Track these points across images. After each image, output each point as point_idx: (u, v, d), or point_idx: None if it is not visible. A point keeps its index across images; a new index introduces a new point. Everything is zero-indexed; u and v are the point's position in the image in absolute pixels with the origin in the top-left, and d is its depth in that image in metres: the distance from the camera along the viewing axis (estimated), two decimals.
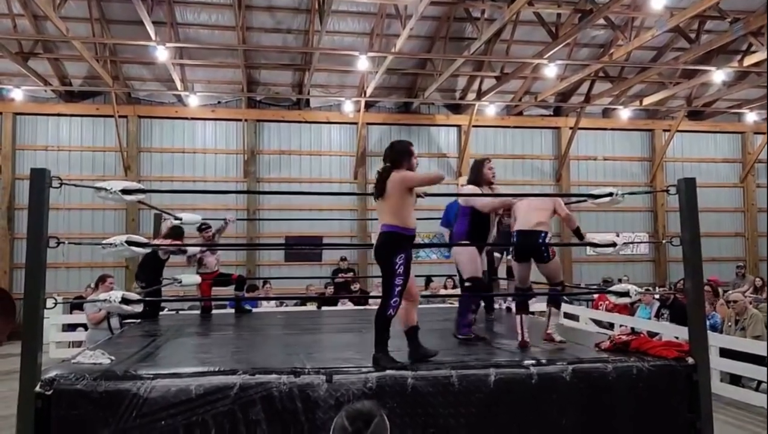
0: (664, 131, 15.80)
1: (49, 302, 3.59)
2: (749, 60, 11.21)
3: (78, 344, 9.56)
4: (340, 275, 12.97)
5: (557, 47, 10.77)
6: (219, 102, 14.17)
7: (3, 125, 13.27)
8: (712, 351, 6.47)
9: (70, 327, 10.45)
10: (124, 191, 4.08)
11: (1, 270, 13.07)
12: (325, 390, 3.55)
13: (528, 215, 4.76)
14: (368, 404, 1.97)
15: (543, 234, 4.68)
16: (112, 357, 3.91)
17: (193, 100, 13.37)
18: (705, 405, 3.94)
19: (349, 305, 10.55)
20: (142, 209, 13.22)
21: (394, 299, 3.86)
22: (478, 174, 5.20)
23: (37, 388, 3.40)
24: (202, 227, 7.58)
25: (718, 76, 12.09)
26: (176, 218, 7.22)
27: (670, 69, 13.23)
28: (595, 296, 11.01)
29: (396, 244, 3.89)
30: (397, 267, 3.84)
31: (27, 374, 3.44)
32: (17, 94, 12.63)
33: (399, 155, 4.05)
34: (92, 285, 11.62)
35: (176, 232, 6.99)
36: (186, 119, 13.97)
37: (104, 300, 4.07)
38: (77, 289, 12.27)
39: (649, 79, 13.75)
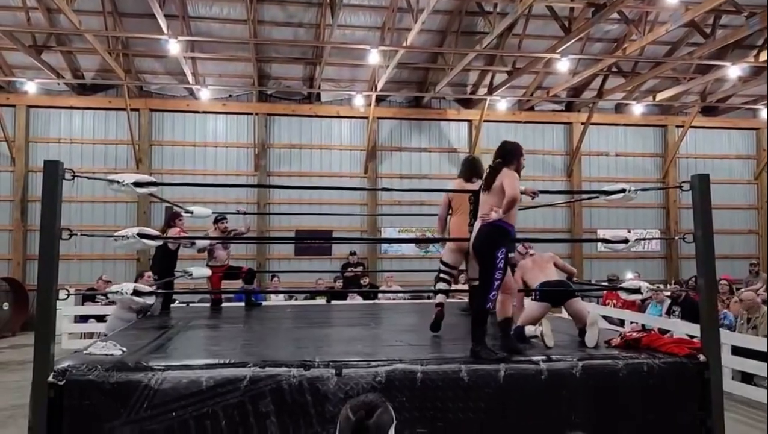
0: (678, 126, 15.65)
1: (62, 294, 3.62)
2: (765, 55, 11.07)
3: (90, 335, 9.67)
4: (349, 269, 12.99)
5: (570, 42, 10.69)
6: (230, 96, 14.20)
7: (16, 118, 13.38)
8: (724, 348, 6.43)
9: (82, 319, 10.54)
10: (137, 184, 4.11)
11: (14, 262, 13.21)
12: (334, 384, 3.56)
13: (542, 273, 4.89)
14: (372, 395, 1.97)
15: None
16: (124, 348, 3.94)
17: (205, 94, 13.41)
18: (716, 403, 3.91)
19: (358, 300, 10.59)
20: (154, 202, 13.30)
21: (492, 293, 3.94)
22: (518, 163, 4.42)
23: (50, 378, 3.43)
24: (218, 219, 7.61)
25: (733, 71, 11.95)
26: (187, 211, 7.25)
27: (684, 64, 13.07)
28: (604, 292, 10.95)
29: (499, 239, 3.98)
30: (498, 261, 3.92)
31: (40, 364, 3.47)
32: (30, 87, 12.72)
33: (510, 155, 4.20)
34: (103, 277, 11.74)
35: (171, 216, 6.97)
36: (197, 112, 14.02)
37: (116, 292, 4.10)
38: (89, 281, 12.38)
39: (663, 75, 13.61)
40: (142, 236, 4.11)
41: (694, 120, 15.14)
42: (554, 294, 4.77)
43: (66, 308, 9.81)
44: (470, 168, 5.44)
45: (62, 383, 3.43)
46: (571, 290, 4.80)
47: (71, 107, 13.66)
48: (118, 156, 13.73)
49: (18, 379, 7.83)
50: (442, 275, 5.33)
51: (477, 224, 4.10)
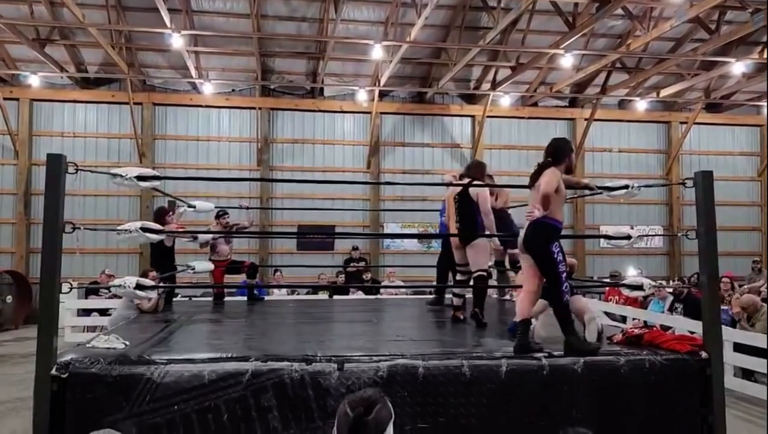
0: (681, 123, 15.61)
1: (65, 287, 3.63)
2: (767, 53, 11.03)
3: (92, 329, 9.69)
4: (351, 264, 13.00)
5: (574, 37, 10.65)
6: (233, 90, 14.19)
7: (20, 111, 13.40)
8: (726, 345, 6.42)
9: (85, 312, 10.57)
10: (139, 178, 4.11)
11: (17, 255, 13.25)
12: (336, 378, 3.57)
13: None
14: (371, 390, 1.96)
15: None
16: (127, 342, 3.95)
17: (208, 88, 13.40)
18: (718, 399, 3.91)
19: (361, 295, 10.60)
20: (156, 196, 13.31)
21: (564, 285, 4.01)
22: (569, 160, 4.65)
23: (53, 371, 3.44)
24: (219, 214, 7.60)
25: (738, 67, 11.89)
26: (190, 206, 7.26)
27: (689, 60, 13.04)
28: (606, 289, 10.93)
29: (549, 234, 4.04)
30: (555, 256, 4.00)
31: (43, 357, 3.48)
32: (34, 80, 12.72)
33: (561, 152, 4.23)
34: (106, 271, 11.77)
35: (159, 213, 6.93)
36: (200, 106, 14.02)
37: (119, 285, 4.11)
38: (92, 274, 12.41)
39: (667, 71, 13.57)
40: (145, 230, 4.12)
41: (697, 117, 15.10)
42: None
43: (69, 302, 9.84)
44: (466, 169, 5.71)
45: (65, 376, 3.44)
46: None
47: (74, 101, 13.67)
48: (121, 150, 13.74)
49: (21, 372, 7.86)
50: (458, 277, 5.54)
51: (529, 221, 4.11)
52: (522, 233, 4.17)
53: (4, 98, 12.96)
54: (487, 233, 5.33)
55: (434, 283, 7.47)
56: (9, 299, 12.42)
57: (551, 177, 4.07)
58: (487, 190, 5.37)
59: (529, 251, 4.08)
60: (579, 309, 4.66)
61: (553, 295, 4.06)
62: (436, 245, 13.91)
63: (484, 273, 5.30)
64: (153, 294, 5.21)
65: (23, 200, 13.31)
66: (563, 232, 4.79)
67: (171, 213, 6.97)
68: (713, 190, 4.19)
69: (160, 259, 6.73)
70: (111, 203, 13.60)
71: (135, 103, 13.37)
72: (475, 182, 5.39)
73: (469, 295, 5.74)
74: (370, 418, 1.84)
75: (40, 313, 3.62)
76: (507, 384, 3.69)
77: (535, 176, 4.17)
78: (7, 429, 5.90)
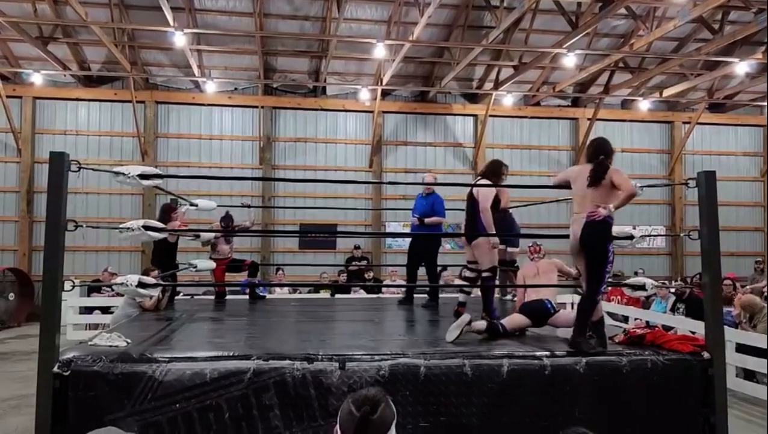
0: (684, 123, 15.58)
1: (67, 285, 3.64)
2: None
3: (95, 326, 9.71)
4: (353, 263, 13.00)
5: (577, 37, 10.63)
6: (236, 89, 14.20)
7: (23, 109, 13.41)
8: (728, 346, 6.41)
9: (87, 310, 10.59)
10: (142, 176, 4.12)
11: (20, 252, 13.27)
12: (337, 377, 3.57)
13: (536, 292, 4.93)
14: (373, 390, 1.96)
15: (548, 302, 4.81)
16: (129, 340, 3.96)
17: (210, 87, 13.41)
18: (720, 400, 3.91)
19: (362, 294, 10.61)
20: (159, 195, 13.32)
21: (604, 286, 4.08)
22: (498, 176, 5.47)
23: (55, 369, 3.45)
24: (224, 224, 7.58)
25: (741, 68, 11.85)
26: (192, 204, 7.26)
27: (692, 60, 13.00)
28: (608, 289, 10.92)
29: (608, 233, 4.06)
30: (609, 255, 4.03)
31: (45, 355, 3.49)
32: (37, 78, 12.74)
33: (611, 151, 4.23)
34: (108, 269, 11.79)
35: (165, 210, 6.94)
36: (203, 105, 14.02)
37: (121, 283, 4.11)
38: (94, 272, 12.44)
39: (670, 71, 13.54)
40: (147, 228, 4.13)
41: (700, 117, 15.06)
42: (535, 315, 4.76)
43: (71, 300, 9.85)
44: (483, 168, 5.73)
45: (67, 373, 3.46)
46: (547, 311, 4.77)
47: (77, 99, 13.68)
48: (124, 148, 13.75)
49: (24, 369, 7.87)
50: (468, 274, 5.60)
51: (578, 220, 4.07)
52: (575, 231, 4.08)
53: (7, 96, 12.97)
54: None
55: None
56: (11, 296, 12.45)
57: (625, 176, 4.09)
58: (488, 189, 5.35)
59: (589, 248, 4.04)
60: (572, 322, 4.69)
61: (591, 291, 4.11)
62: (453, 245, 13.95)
63: (490, 273, 5.31)
64: (155, 292, 5.20)
65: (26, 197, 13.33)
66: (563, 232, 4.81)
67: (176, 211, 6.98)
68: (716, 190, 4.19)
69: (163, 256, 6.73)
70: (113, 201, 13.62)
71: (138, 102, 13.38)
72: (482, 181, 5.39)
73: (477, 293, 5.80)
74: (375, 417, 1.84)
75: (42, 311, 3.63)
76: (508, 384, 3.70)
77: (600, 175, 4.06)
78: (9, 426, 5.92)
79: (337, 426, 1.89)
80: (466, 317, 4.40)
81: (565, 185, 4.43)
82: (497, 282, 5.98)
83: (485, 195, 5.32)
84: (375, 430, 1.84)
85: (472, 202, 5.37)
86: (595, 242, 4.03)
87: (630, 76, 13.84)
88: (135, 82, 13.21)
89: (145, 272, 5.70)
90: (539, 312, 4.76)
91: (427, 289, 7.30)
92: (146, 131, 13.70)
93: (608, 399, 3.82)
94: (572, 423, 3.67)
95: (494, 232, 5.30)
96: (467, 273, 5.64)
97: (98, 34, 10.65)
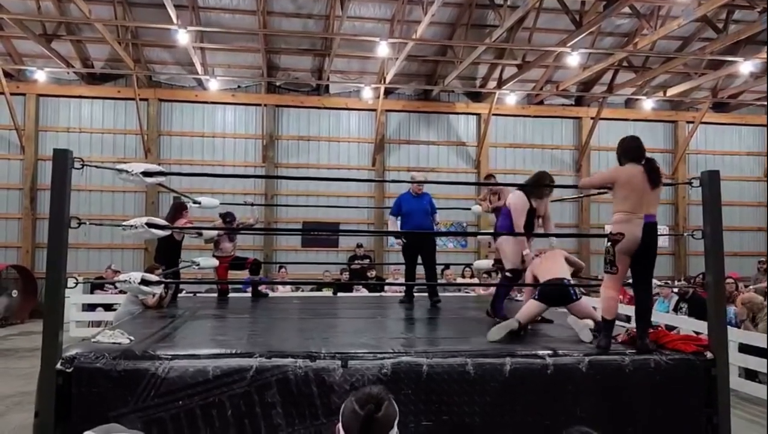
0: (688, 122, 15.55)
1: (71, 282, 3.64)
2: None
3: (97, 324, 9.73)
4: (356, 261, 13.00)
5: (581, 36, 10.61)
6: (239, 87, 14.20)
7: (26, 107, 13.44)
8: (731, 346, 6.39)
9: (90, 307, 10.61)
10: (145, 174, 4.12)
11: (23, 249, 13.30)
12: (340, 375, 3.57)
13: (551, 269, 4.93)
14: (376, 388, 1.96)
15: (569, 283, 4.83)
16: (132, 337, 3.97)
17: (213, 85, 13.42)
18: (723, 400, 3.90)
19: (365, 292, 10.61)
20: (162, 192, 13.35)
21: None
22: (535, 186, 5.41)
23: (58, 366, 3.46)
24: (227, 220, 7.60)
25: (745, 67, 11.81)
26: (195, 202, 7.26)
27: (696, 59, 12.96)
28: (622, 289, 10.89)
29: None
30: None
31: (48, 352, 3.50)
32: (40, 75, 12.76)
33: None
34: (111, 266, 11.82)
35: (177, 208, 6.97)
36: (206, 103, 14.04)
37: (124, 281, 4.12)
38: (97, 269, 12.47)
39: (674, 70, 13.51)
40: (150, 225, 4.13)
41: (704, 116, 15.03)
42: (554, 297, 4.75)
43: (74, 297, 9.88)
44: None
45: (70, 370, 3.46)
46: (570, 295, 4.77)
47: (80, 96, 13.71)
48: (127, 146, 13.77)
49: (27, 366, 7.90)
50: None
51: (634, 221, 4.04)
52: (633, 232, 4.02)
53: (11, 93, 12.99)
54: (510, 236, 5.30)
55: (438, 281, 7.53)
56: (15, 293, 12.48)
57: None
58: (519, 203, 5.31)
59: (649, 249, 4.08)
60: (577, 312, 4.68)
61: (650, 291, 4.27)
62: (441, 243, 13.97)
63: (510, 274, 5.35)
64: (158, 290, 5.21)
65: (29, 195, 13.36)
66: (567, 231, 4.79)
67: (186, 210, 6.99)
68: (720, 190, 4.18)
69: (168, 254, 6.76)
70: (116, 199, 13.64)
71: (141, 99, 13.39)
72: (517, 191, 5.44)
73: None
74: (380, 415, 1.84)
75: (45, 308, 3.63)
76: (511, 383, 3.69)
77: (658, 177, 4.13)
78: (12, 423, 5.94)
79: (339, 425, 1.88)
80: (513, 323, 4.40)
81: (606, 187, 4.46)
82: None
83: (516, 208, 5.30)
84: (379, 429, 1.84)
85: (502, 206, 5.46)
86: (656, 244, 4.12)
87: (634, 75, 13.82)
88: (138, 79, 13.22)
89: (149, 270, 5.72)
90: (560, 295, 4.75)
91: (428, 288, 7.24)
92: (149, 129, 13.71)
93: (611, 399, 3.81)
94: (575, 423, 3.68)
95: (521, 237, 5.25)
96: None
97: (102, 31, 10.66)
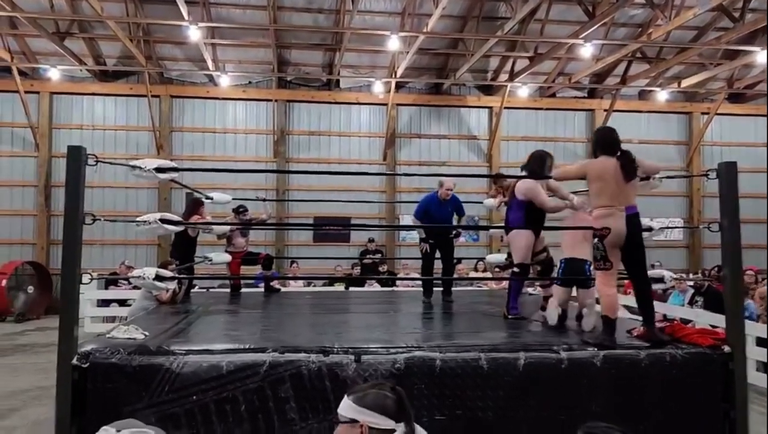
0: (703, 114, 15.36)
1: (85, 278, 3.66)
2: None
3: (112, 319, 9.82)
4: (367, 256, 13.00)
5: (593, 27, 10.49)
6: (250, 82, 14.22)
7: (40, 104, 13.55)
8: (749, 339, 6.32)
9: (104, 302, 10.70)
10: (158, 170, 4.12)
11: (38, 246, 13.44)
12: (353, 370, 3.56)
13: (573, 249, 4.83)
14: (370, 382, 1.99)
15: (588, 263, 4.70)
16: (146, 333, 3.98)
17: (224, 80, 13.45)
18: (740, 394, 3.85)
19: (377, 287, 10.60)
20: (174, 188, 13.41)
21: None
22: (542, 168, 5.12)
23: (74, 361, 3.48)
24: (240, 210, 7.62)
25: (762, 56, 11.63)
26: (207, 198, 7.29)
27: (711, 49, 12.80)
28: (625, 281, 10.80)
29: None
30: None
31: (64, 347, 3.52)
32: (54, 73, 12.86)
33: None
34: (125, 262, 11.90)
35: (194, 203, 7.00)
36: (217, 99, 14.08)
37: (138, 276, 4.13)
38: (112, 265, 12.57)
39: (689, 60, 13.34)
40: (164, 221, 4.14)
41: (720, 107, 14.83)
42: (573, 277, 4.71)
43: (89, 292, 9.97)
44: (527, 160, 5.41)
45: (86, 366, 3.48)
46: (587, 281, 4.72)
47: (93, 94, 13.80)
48: (140, 142, 13.85)
49: (43, 361, 7.99)
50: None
51: (616, 214, 4.02)
52: (617, 225, 4.00)
53: (25, 92, 13.10)
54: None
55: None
56: (31, 289, 12.63)
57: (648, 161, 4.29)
58: (532, 185, 5.04)
59: (635, 240, 4.07)
60: (582, 295, 4.68)
61: (647, 280, 4.26)
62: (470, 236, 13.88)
63: (518, 269, 5.16)
64: (172, 285, 5.23)
65: (44, 192, 13.48)
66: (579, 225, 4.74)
67: (202, 205, 7.01)
68: (737, 181, 4.11)
69: (183, 249, 6.80)
70: (130, 195, 13.73)
71: (153, 96, 13.46)
72: (523, 175, 5.23)
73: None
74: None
75: (60, 304, 3.65)
76: (525, 378, 3.67)
77: (632, 169, 4.07)
78: (30, 417, 6.00)
79: (372, 419, 1.88)
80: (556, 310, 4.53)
81: (578, 179, 4.36)
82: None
83: (530, 189, 5.03)
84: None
85: (512, 196, 5.21)
86: (640, 234, 4.14)
87: (648, 66, 13.66)
88: (150, 76, 13.28)
89: (163, 265, 5.74)
90: (579, 273, 4.70)
91: (443, 285, 7.13)
92: (161, 126, 13.78)
93: (626, 394, 3.77)
94: (590, 418, 3.65)
95: (558, 202, 5.10)
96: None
97: (113, 28, 10.70)
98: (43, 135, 13.50)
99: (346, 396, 1.98)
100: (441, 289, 6.99)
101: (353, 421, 1.91)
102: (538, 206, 5.03)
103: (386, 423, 1.88)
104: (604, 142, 4.18)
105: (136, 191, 13.76)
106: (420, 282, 10.91)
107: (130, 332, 3.92)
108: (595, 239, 4.07)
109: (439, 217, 6.65)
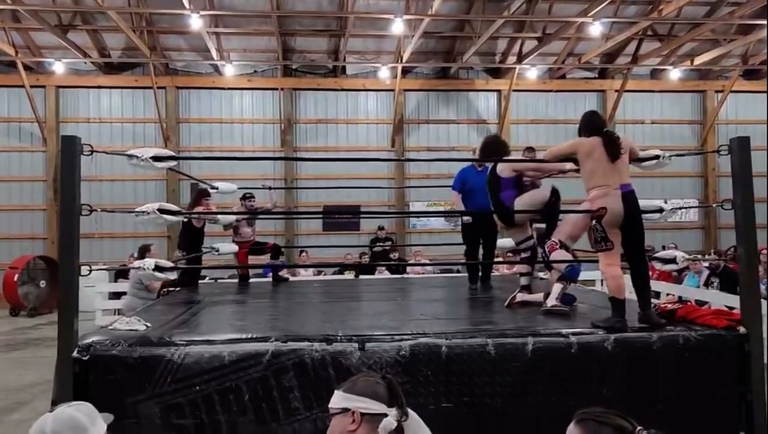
0: (717, 91, 15.06)
1: (84, 270, 3.61)
2: None
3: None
4: (378, 244, 12.93)
5: (603, 4, 10.29)
6: (255, 71, 14.14)
7: (46, 98, 13.57)
8: (765, 320, 6.17)
9: (115, 295, 10.72)
10: (155, 159, 4.05)
11: (49, 240, 13.51)
12: (357, 358, 3.50)
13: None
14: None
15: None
16: (148, 324, 3.94)
17: (229, 70, 13.38)
18: (757, 376, 3.74)
19: (387, 274, 10.54)
20: (182, 180, 13.41)
21: None
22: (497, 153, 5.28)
23: (75, 354, 3.46)
24: (246, 196, 7.58)
25: None
26: (213, 187, 7.24)
27: (725, 25, 12.49)
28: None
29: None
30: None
31: (64, 340, 3.51)
32: (58, 67, 12.87)
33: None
34: (134, 255, 11.91)
35: (199, 194, 6.97)
36: (223, 88, 14.02)
37: (138, 267, 4.09)
38: (121, 258, 12.59)
39: (702, 37, 13.04)
40: (162, 211, 4.08)
41: (734, 84, 14.54)
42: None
43: (99, 285, 10.00)
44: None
45: (87, 358, 3.46)
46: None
47: (99, 87, 13.80)
48: (147, 134, 13.84)
49: (54, 355, 8.00)
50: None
51: (611, 193, 3.94)
52: (612, 205, 3.91)
53: (31, 86, 13.11)
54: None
55: (461, 260, 7.24)
56: (43, 284, 12.71)
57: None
58: (514, 164, 5.10)
59: (633, 219, 3.99)
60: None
61: (645, 261, 4.16)
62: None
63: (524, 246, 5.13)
64: (173, 276, 5.20)
65: (53, 186, 13.52)
66: (574, 208, 4.62)
67: (207, 197, 6.97)
68: (750, 157, 3.97)
69: (190, 240, 6.78)
70: (138, 188, 13.75)
71: (158, 87, 13.42)
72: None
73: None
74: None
75: (59, 296, 3.63)
76: (533, 363, 3.58)
77: (617, 148, 4.01)
78: (39, 410, 6.02)
79: (363, 404, 1.81)
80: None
81: (570, 160, 4.32)
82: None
83: (507, 165, 5.01)
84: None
85: (496, 182, 5.06)
86: (639, 212, 4.05)
87: (659, 44, 13.39)
88: (155, 67, 13.24)
89: (143, 250, 5.67)
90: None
91: (483, 270, 6.87)
92: (168, 117, 13.75)
93: (638, 377, 3.68)
94: (601, 403, 3.56)
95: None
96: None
97: (116, 20, 10.65)
98: (51, 129, 13.53)
99: (336, 391, 1.93)
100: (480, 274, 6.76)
101: (345, 410, 1.85)
102: (531, 173, 5.06)
103: (378, 407, 1.82)
104: (588, 124, 4.18)
105: (144, 184, 13.77)
106: (430, 268, 10.82)
107: (132, 323, 3.89)
108: (593, 221, 3.96)
109: (478, 189, 6.31)
